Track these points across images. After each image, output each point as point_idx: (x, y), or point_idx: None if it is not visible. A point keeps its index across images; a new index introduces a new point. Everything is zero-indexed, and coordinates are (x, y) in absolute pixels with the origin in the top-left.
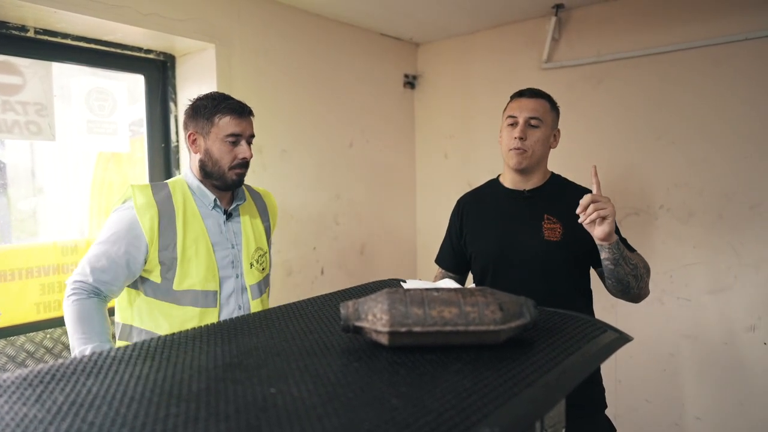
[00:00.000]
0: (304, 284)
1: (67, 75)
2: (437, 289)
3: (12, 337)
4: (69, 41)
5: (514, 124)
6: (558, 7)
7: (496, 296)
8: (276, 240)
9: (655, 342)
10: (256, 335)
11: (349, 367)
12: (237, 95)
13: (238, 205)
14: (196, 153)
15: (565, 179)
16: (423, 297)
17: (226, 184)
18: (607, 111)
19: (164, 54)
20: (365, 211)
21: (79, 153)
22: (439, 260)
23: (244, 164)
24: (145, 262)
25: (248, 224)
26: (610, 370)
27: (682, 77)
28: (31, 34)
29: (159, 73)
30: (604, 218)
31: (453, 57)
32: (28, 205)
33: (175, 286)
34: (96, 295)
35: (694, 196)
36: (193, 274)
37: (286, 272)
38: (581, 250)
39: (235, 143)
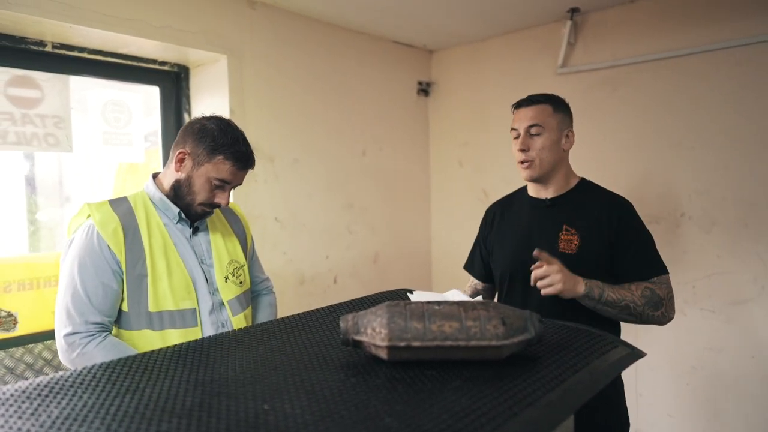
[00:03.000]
0: (317, 293)
1: (83, 88)
2: (438, 303)
3: (30, 345)
4: (86, 55)
5: (517, 137)
6: (573, 11)
7: (498, 310)
8: (288, 249)
9: (678, 355)
10: (257, 348)
11: (347, 382)
12: (249, 105)
13: (203, 217)
14: (177, 171)
15: (594, 185)
16: (423, 311)
17: (189, 215)
18: (624, 116)
19: (178, 65)
20: (378, 219)
21: (101, 164)
22: (468, 267)
23: (216, 206)
24: (123, 282)
25: (218, 236)
26: (630, 383)
27: (703, 80)
28: (49, 48)
29: (173, 84)
30: (555, 292)
31: (467, 64)
32: (49, 216)
33: (151, 308)
34: (101, 333)
35: (717, 204)
36: (166, 292)
37: (298, 281)
38: (599, 264)
39: (219, 187)
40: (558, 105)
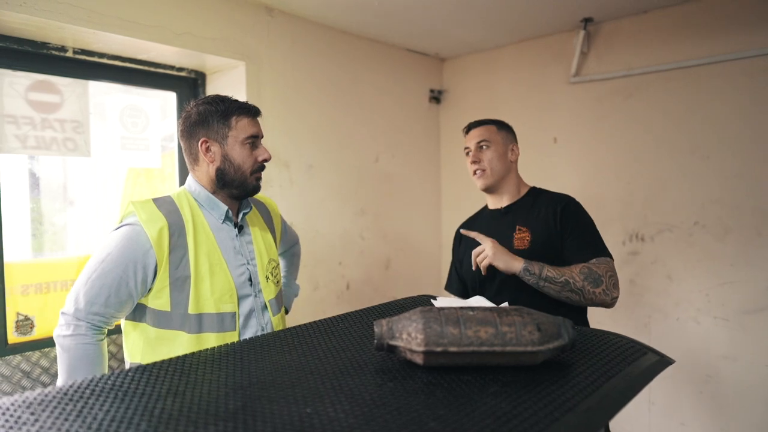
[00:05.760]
0: (330, 299)
1: (102, 93)
2: (472, 308)
3: (46, 349)
4: (105, 60)
5: (468, 153)
6: (587, 20)
7: (533, 316)
8: (302, 254)
9: (691, 363)
10: (289, 352)
11: (384, 387)
12: (266, 111)
13: (245, 214)
14: (211, 162)
15: (542, 190)
16: (458, 316)
17: (246, 191)
18: (637, 125)
19: (195, 72)
20: (390, 226)
21: (110, 168)
22: (448, 287)
23: (263, 167)
24: (152, 284)
25: (258, 236)
26: (643, 392)
27: (716, 90)
28: (69, 54)
29: (190, 90)
30: (489, 262)
31: (479, 72)
32: (61, 219)
33: (191, 310)
34: (95, 332)
35: (731, 212)
36: (207, 295)
37: (312, 287)
38: (550, 254)
39: (253, 145)
40: (501, 125)
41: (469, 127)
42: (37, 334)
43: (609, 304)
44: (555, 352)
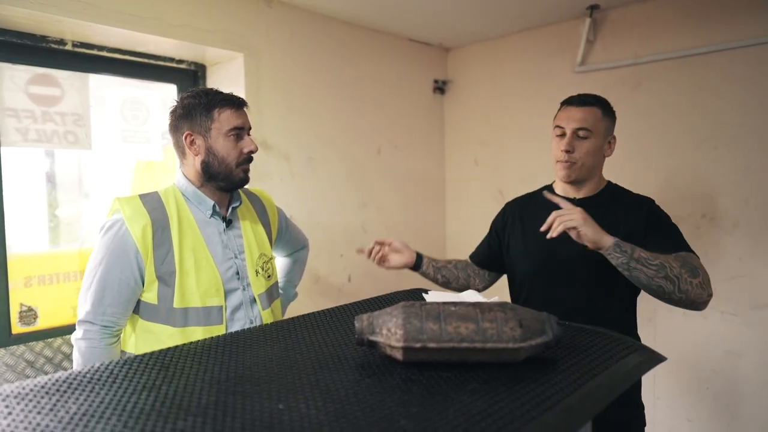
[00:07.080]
0: (331, 291)
1: (102, 86)
2: (455, 303)
3: (49, 339)
4: (105, 53)
5: (561, 135)
6: (593, 8)
7: (516, 312)
8: None
9: (697, 358)
10: (272, 346)
11: (362, 383)
12: (265, 103)
13: (235, 208)
14: (196, 155)
15: (620, 189)
16: (440, 312)
17: (233, 184)
18: (644, 115)
19: (195, 64)
20: (393, 218)
21: (120, 161)
22: (473, 256)
23: (250, 159)
24: (144, 280)
25: (249, 230)
26: (648, 386)
27: (726, 79)
28: (69, 47)
29: (190, 82)
30: (573, 228)
31: (483, 62)
32: (69, 211)
33: (176, 304)
34: (107, 336)
35: (740, 205)
36: (192, 289)
37: (313, 279)
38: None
39: (238, 137)
40: (607, 110)
41: (570, 102)
42: (40, 324)
43: (704, 300)
44: (538, 349)
